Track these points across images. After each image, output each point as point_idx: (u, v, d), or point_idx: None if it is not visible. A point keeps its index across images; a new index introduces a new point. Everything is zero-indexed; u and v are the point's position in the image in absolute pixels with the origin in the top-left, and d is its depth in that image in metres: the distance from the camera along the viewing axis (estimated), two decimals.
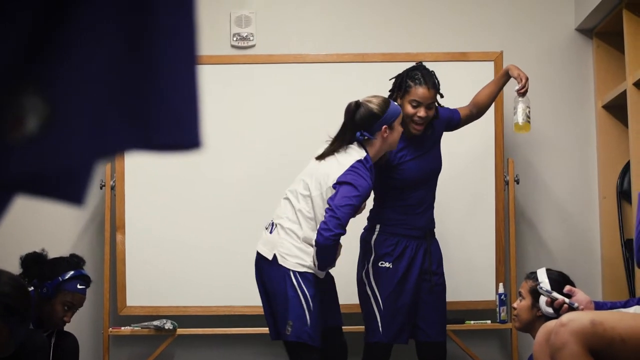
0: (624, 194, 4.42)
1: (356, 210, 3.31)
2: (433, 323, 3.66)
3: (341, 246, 3.36)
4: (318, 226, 3.28)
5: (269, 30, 4.64)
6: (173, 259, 4.34)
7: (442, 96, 3.64)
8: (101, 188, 4.35)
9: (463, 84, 4.10)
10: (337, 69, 4.42)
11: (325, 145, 3.45)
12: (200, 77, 0.77)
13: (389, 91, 3.63)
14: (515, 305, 3.29)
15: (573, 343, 2.42)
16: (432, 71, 3.62)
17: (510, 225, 4.38)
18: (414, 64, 3.68)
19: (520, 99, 3.74)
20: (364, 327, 3.65)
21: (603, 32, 4.55)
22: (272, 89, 4.41)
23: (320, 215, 3.30)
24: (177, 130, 0.75)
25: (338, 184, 3.29)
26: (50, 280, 3.44)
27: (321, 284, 3.39)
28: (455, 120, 3.79)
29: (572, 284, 3.13)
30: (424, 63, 3.68)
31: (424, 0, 4.67)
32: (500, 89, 3.94)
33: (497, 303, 4.26)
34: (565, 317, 2.52)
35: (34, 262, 3.46)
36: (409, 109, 3.54)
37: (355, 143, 3.40)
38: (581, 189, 4.62)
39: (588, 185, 4.61)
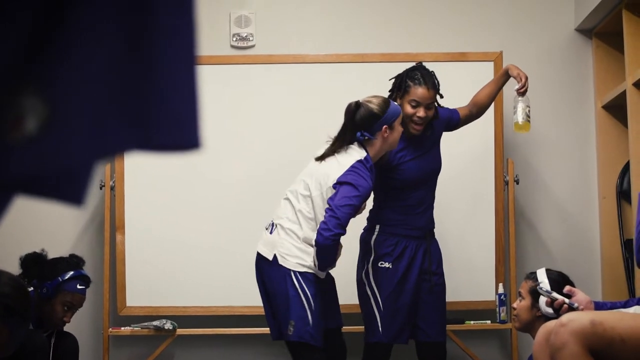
0: (623, 194, 4.42)
1: (356, 210, 3.31)
2: (433, 323, 3.66)
3: (342, 246, 3.36)
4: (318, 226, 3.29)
5: (269, 31, 4.64)
6: (173, 259, 4.34)
7: (441, 96, 3.64)
8: (101, 188, 4.35)
9: (463, 84, 4.10)
10: (336, 69, 4.42)
11: (326, 146, 3.45)
12: (200, 77, 0.77)
13: (389, 91, 3.63)
14: (515, 305, 3.29)
15: (573, 343, 2.42)
16: (432, 71, 3.62)
17: (510, 226, 4.38)
18: (413, 64, 3.68)
19: (520, 98, 3.74)
20: (363, 327, 3.65)
21: (603, 32, 4.55)
22: (271, 89, 4.41)
23: (321, 215, 3.30)
24: (177, 130, 0.75)
25: (338, 184, 3.28)
26: (50, 281, 3.44)
27: (321, 284, 3.39)
28: (454, 120, 3.79)
29: (572, 284, 3.13)
30: (423, 63, 3.68)
31: (424, 0, 4.67)
32: (500, 88, 3.94)
33: (497, 303, 4.26)
34: (565, 317, 2.52)
35: (33, 262, 3.46)
36: (408, 109, 3.54)
37: (356, 143, 3.40)
38: (581, 189, 4.62)
39: (588, 185, 4.61)
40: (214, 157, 4.26)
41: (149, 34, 0.74)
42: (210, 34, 4.57)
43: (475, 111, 3.87)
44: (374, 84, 3.78)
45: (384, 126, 3.37)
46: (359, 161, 3.32)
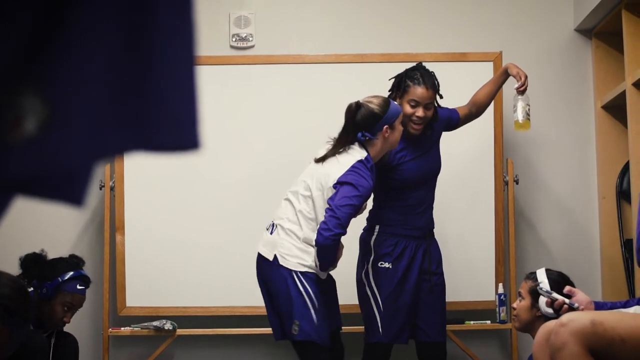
0: (623, 194, 4.42)
1: (357, 210, 3.31)
2: (433, 323, 3.66)
3: (343, 247, 3.36)
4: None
5: (268, 31, 4.64)
6: (173, 260, 4.34)
7: (441, 97, 3.64)
8: (100, 189, 4.35)
9: (462, 84, 4.10)
10: (336, 69, 4.42)
11: (326, 146, 3.45)
12: (200, 77, 0.77)
13: (389, 91, 3.63)
14: (514, 305, 3.29)
15: (573, 343, 2.42)
16: (432, 72, 3.62)
17: (510, 226, 4.38)
18: (413, 64, 3.68)
19: (519, 96, 3.74)
20: (363, 327, 3.65)
21: (602, 33, 4.55)
22: (271, 89, 4.41)
23: (321, 215, 3.30)
24: (177, 130, 0.75)
25: (338, 184, 3.28)
26: (49, 281, 3.44)
27: (322, 284, 3.39)
28: (454, 120, 3.79)
29: (572, 284, 3.13)
30: (423, 63, 3.68)
31: (424, 0, 4.67)
32: (499, 87, 3.94)
33: (497, 303, 4.26)
34: (565, 317, 2.52)
35: (33, 262, 3.46)
36: (408, 108, 3.54)
37: (357, 143, 3.40)
38: (581, 189, 4.62)
39: (587, 185, 4.61)
40: (213, 157, 4.26)
41: (149, 34, 0.74)
42: (210, 34, 4.57)
43: (474, 110, 3.87)
44: (373, 84, 3.77)
45: (385, 126, 3.37)
46: (360, 161, 3.32)
